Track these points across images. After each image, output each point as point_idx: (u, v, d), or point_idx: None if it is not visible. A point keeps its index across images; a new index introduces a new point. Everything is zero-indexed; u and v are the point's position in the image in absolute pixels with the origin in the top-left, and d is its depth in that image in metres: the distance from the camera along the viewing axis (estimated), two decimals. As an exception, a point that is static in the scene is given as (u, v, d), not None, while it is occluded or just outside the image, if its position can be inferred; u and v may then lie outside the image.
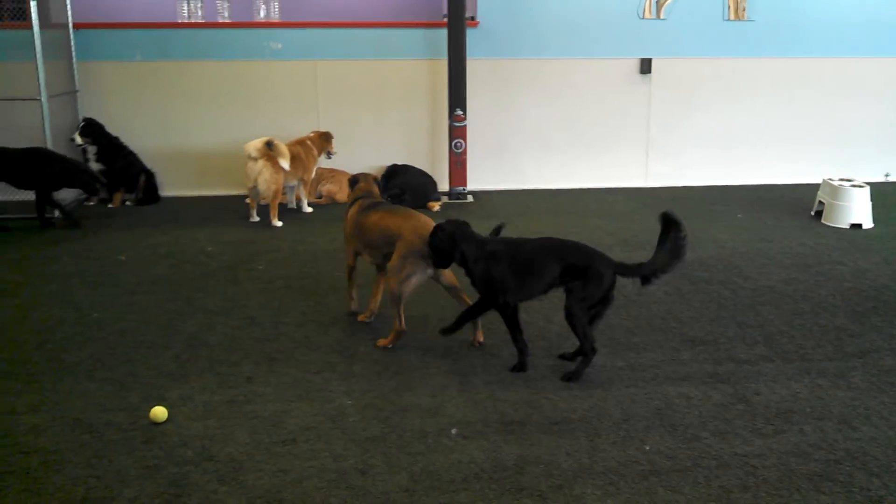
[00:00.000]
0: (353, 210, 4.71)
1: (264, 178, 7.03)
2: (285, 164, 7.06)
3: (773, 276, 5.56)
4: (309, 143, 7.63)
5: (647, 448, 3.32)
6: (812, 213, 7.32)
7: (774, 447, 3.32)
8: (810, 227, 6.90)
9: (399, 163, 8.18)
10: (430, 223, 4.28)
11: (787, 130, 8.74)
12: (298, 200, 7.71)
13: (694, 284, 5.38)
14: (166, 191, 8.30)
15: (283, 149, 7.13)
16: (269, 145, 7.03)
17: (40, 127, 7.23)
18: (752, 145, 8.74)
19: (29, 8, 7.01)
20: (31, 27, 6.99)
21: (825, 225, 6.98)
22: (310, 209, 7.68)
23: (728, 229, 6.85)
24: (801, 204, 7.70)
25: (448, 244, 4.04)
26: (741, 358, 4.22)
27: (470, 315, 4.16)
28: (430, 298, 4.99)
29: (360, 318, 4.81)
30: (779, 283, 5.40)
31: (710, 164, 8.74)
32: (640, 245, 6.29)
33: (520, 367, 4.09)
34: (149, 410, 3.60)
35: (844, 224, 6.88)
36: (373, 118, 8.39)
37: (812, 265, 5.80)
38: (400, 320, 4.31)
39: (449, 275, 4.40)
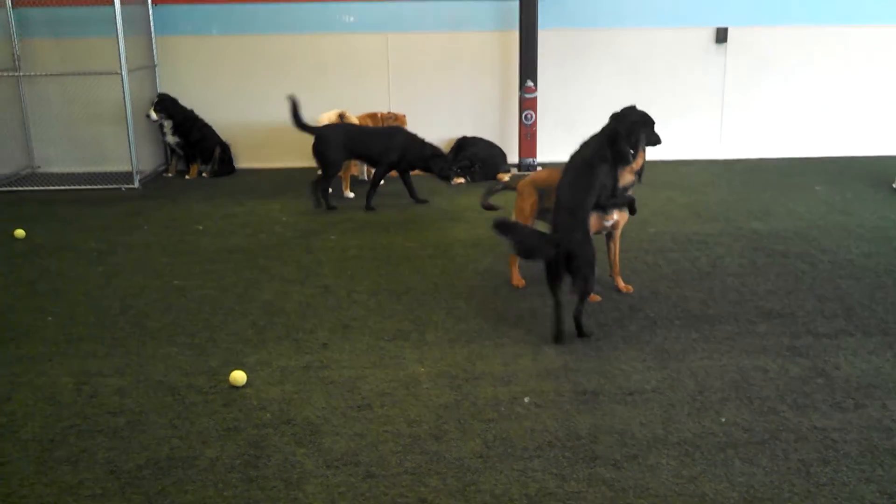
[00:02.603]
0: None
1: None
2: None
3: (852, 249, 5.41)
4: (380, 116, 7.68)
5: (723, 420, 3.29)
6: (893, 185, 7.08)
7: (855, 422, 3.25)
8: (892, 200, 6.68)
9: (469, 135, 8.17)
10: None
11: (869, 101, 8.45)
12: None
13: (770, 257, 5.27)
14: (241, 163, 8.47)
15: (354, 120, 7.19)
16: (341, 117, 7.10)
17: (121, 101, 7.43)
18: (832, 116, 8.47)
19: (109, -16, 7.19)
20: (112, 3, 7.16)
21: (909, 198, 6.76)
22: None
23: (805, 202, 6.68)
24: (882, 176, 7.45)
25: None
26: (820, 331, 4.13)
27: None
28: (501, 269, 5.00)
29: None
30: (859, 257, 5.25)
31: (787, 136, 8.51)
32: (713, 217, 6.18)
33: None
34: (228, 374, 3.70)
35: (929, 197, 6.65)
36: (443, 90, 8.38)
37: (894, 238, 5.62)
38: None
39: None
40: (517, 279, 4.91)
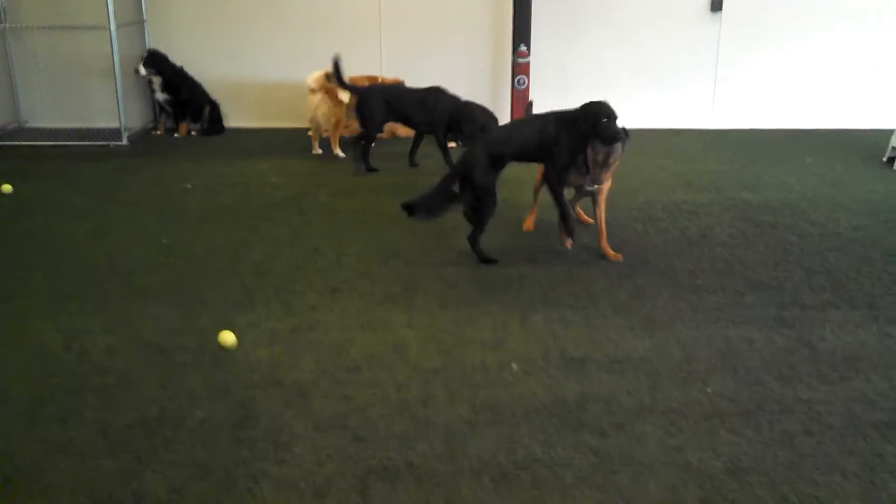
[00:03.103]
0: None
1: (322, 111, 7.07)
2: (345, 96, 7.06)
3: (841, 222, 5.43)
4: (380, 80, 7.58)
5: (709, 390, 3.32)
6: (884, 159, 7.09)
7: (840, 394, 3.29)
8: (882, 174, 6.70)
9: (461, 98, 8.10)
10: None
11: (862, 74, 8.42)
12: None
13: (759, 228, 5.29)
14: (231, 122, 8.38)
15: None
16: (329, 78, 7.03)
17: (109, 56, 7.33)
18: (825, 88, 8.44)
19: (98, -65, 7.05)
20: (100, -45, 7.03)
21: (898, 171, 6.78)
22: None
23: (796, 173, 6.68)
24: (873, 150, 7.45)
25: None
26: (807, 303, 4.16)
27: None
28: (490, 235, 5.00)
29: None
30: (847, 230, 5.27)
31: (780, 107, 8.48)
32: (703, 187, 6.19)
33: None
34: (217, 335, 3.69)
35: (919, 171, 6.67)
36: (435, 53, 8.28)
37: (882, 212, 5.65)
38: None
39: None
40: (528, 224, 5.28)
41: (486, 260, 4.69)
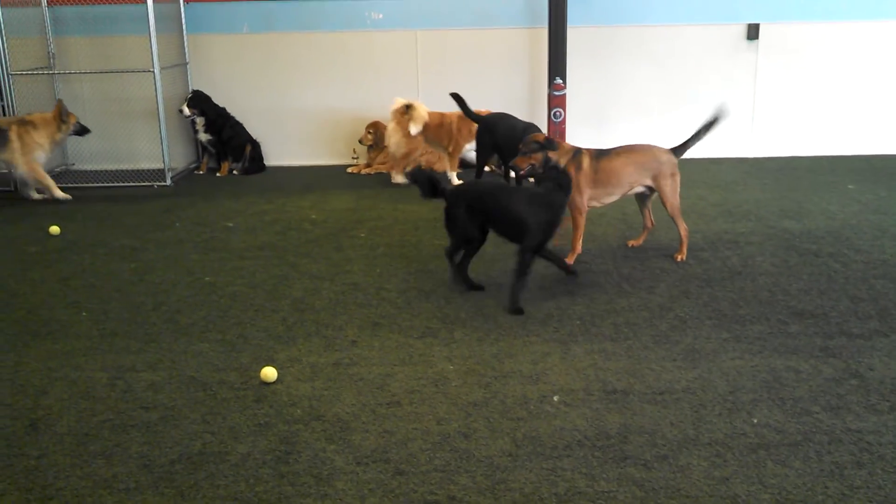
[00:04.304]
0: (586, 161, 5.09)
1: (393, 141, 7.26)
2: (414, 129, 7.15)
3: (886, 249, 5.34)
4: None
5: (755, 421, 3.26)
6: (930, 184, 6.98)
7: (891, 424, 3.21)
8: (928, 199, 6.59)
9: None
10: None
11: (905, 98, 8.33)
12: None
13: (802, 256, 5.22)
14: (271, 160, 8.52)
15: (420, 114, 7.22)
16: (408, 108, 7.16)
17: (153, 99, 7.52)
18: (865, 114, 8.35)
19: (142, -17, 7.28)
20: (144, 1, 7.24)
21: (945, 197, 6.65)
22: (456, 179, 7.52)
23: (838, 200, 6.60)
24: (918, 175, 7.35)
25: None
26: (853, 332, 4.08)
27: None
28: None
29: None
30: (893, 257, 5.18)
31: (820, 133, 8.40)
32: (744, 216, 6.13)
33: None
34: (259, 371, 3.73)
35: (966, 196, 6.54)
36: (472, 87, 8.34)
37: (930, 238, 5.55)
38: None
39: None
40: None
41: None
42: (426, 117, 7.23)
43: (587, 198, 5.08)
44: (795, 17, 8.14)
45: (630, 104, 8.36)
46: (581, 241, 5.18)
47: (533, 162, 5.01)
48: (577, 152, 5.09)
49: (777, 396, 3.46)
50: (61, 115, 7.22)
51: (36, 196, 7.32)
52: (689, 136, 5.20)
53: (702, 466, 2.96)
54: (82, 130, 7.47)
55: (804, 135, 8.41)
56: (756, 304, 4.48)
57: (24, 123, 7.13)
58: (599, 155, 5.11)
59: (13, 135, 7.03)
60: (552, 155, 5.02)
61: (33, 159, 7.11)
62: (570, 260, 5.07)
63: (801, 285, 4.74)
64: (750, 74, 8.30)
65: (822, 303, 4.47)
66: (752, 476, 2.90)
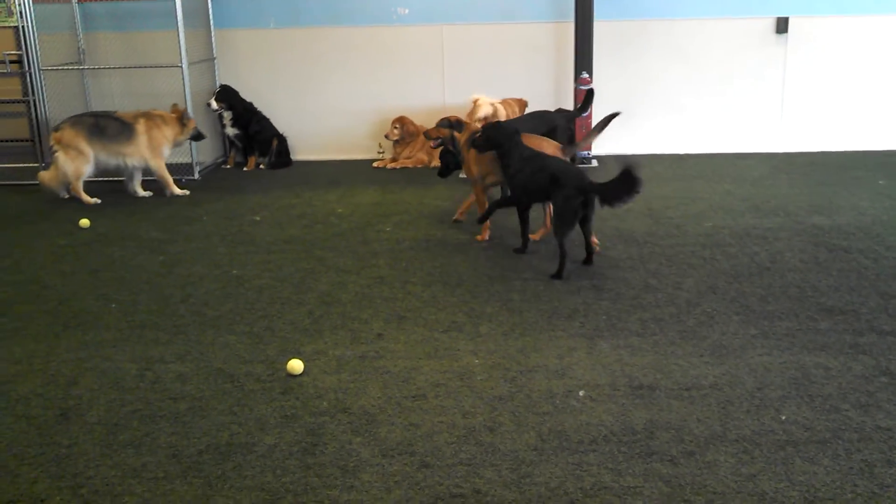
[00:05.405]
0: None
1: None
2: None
3: (919, 245, 5.27)
4: (513, 102, 7.63)
5: (783, 418, 3.23)
6: (964, 179, 6.88)
7: (921, 422, 3.18)
8: (961, 195, 6.49)
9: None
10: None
11: (937, 92, 8.20)
12: None
13: (832, 252, 5.16)
14: (297, 155, 8.56)
15: (501, 110, 7.26)
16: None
17: (181, 93, 7.57)
18: (895, 108, 8.24)
19: (171, -21, 7.33)
20: (172, -3, 7.30)
21: (978, 192, 6.55)
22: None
23: (869, 196, 6.51)
24: (951, 170, 7.24)
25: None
26: (884, 329, 4.03)
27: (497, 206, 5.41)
28: (554, 261, 4.97)
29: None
30: (926, 253, 5.12)
31: (850, 128, 8.28)
32: (772, 211, 6.07)
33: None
34: (286, 363, 3.76)
35: None
36: (498, 80, 8.34)
37: (963, 235, 5.46)
38: None
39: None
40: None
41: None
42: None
43: (477, 174, 5.64)
44: (825, 10, 8.03)
45: (656, 98, 8.30)
46: (467, 207, 6.02)
47: (441, 136, 5.88)
48: (475, 134, 5.56)
49: (806, 393, 3.42)
50: (182, 118, 7.23)
51: (143, 193, 7.30)
52: (585, 135, 5.58)
53: (729, 463, 2.94)
54: (199, 136, 7.44)
55: (834, 129, 8.30)
56: (785, 299, 4.44)
57: (152, 118, 7.13)
58: None
59: (140, 128, 7.05)
60: (457, 135, 5.81)
61: (160, 154, 7.15)
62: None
63: (830, 281, 4.69)
64: (779, 68, 8.21)
65: (851, 299, 4.42)
66: (779, 473, 2.88)
